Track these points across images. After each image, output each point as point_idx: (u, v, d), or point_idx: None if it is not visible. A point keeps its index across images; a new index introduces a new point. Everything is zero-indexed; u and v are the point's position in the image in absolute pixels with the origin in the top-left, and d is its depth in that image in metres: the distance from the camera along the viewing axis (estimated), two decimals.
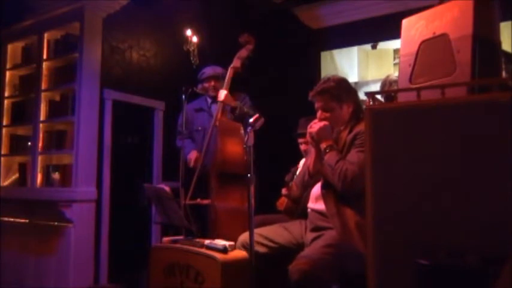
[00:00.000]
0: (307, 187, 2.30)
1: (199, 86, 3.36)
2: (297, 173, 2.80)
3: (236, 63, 3.13)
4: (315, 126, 2.09)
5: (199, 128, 3.36)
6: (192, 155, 3.26)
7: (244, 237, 2.26)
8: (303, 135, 2.74)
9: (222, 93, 3.09)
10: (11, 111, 4.04)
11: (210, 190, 2.89)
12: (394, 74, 3.24)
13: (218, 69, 3.37)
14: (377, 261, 1.38)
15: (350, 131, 2.09)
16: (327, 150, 2.03)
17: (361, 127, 2.00)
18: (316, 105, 2.17)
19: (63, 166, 3.57)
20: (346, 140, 2.08)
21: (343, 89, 2.17)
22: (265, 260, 2.15)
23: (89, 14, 3.51)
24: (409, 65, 1.57)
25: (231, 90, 3.16)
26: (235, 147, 2.85)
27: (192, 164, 3.23)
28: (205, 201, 2.86)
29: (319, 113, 2.16)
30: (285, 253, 2.18)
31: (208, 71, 3.37)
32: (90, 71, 3.50)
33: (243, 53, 3.15)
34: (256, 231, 2.16)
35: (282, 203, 2.90)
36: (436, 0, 1.55)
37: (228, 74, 3.14)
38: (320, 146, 2.08)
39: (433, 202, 1.30)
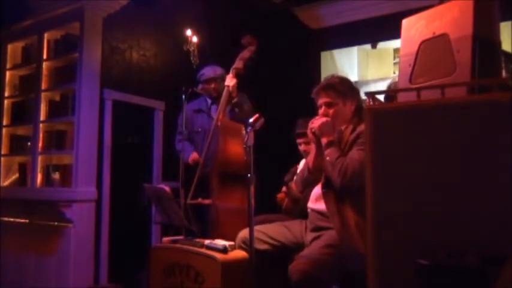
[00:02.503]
0: (307, 185, 2.30)
1: (200, 86, 3.35)
2: (297, 172, 2.80)
3: (238, 64, 3.12)
4: (317, 121, 2.09)
5: (199, 130, 3.34)
6: (193, 157, 3.26)
7: (243, 233, 2.26)
8: (302, 134, 2.74)
9: (232, 81, 3.05)
10: (11, 111, 4.03)
11: (212, 190, 2.89)
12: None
13: (218, 70, 3.35)
14: (377, 261, 1.38)
15: (353, 130, 2.10)
16: (328, 146, 2.04)
17: (364, 127, 2.00)
18: (320, 101, 2.18)
19: (63, 166, 3.57)
20: (348, 139, 2.09)
21: (346, 86, 2.20)
22: (265, 258, 2.16)
23: (89, 14, 3.51)
24: (409, 65, 1.57)
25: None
26: (237, 147, 2.85)
27: (191, 160, 3.22)
28: (207, 201, 2.86)
29: (322, 109, 2.16)
30: (284, 252, 2.18)
31: (208, 72, 3.34)
32: (90, 71, 3.50)
33: (245, 54, 3.14)
34: (257, 228, 2.16)
35: (282, 196, 2.90)
36: (436, 0, 1.55)
37: (230, 75, 3.13)
38: (321, 140, 2.08)
39: (433, 202, 1.30)
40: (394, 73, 4.08)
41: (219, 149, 2.87)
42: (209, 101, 3.42)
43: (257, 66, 3.27)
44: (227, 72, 3.18)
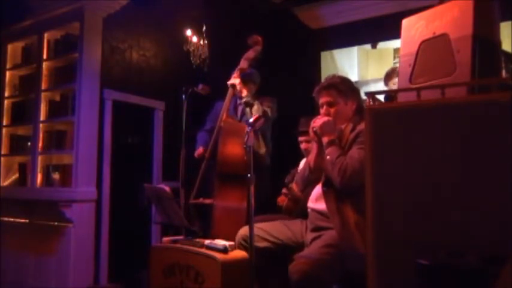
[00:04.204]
0: (307, 184, 2.30)
1: (200, 86, 3.34)
2: (298, 172, 2.80)
3: (243, 64, 3.09)
4: (319, 120, 2.10)
5: None
6: (198, 151, 3.26)
7: (244, 231, 2.26)
8: (304, 133, 2.74)
9: (236, 80, 3.00)
10: (11, 111, 4.03)
11: (213, 190, 2.89)
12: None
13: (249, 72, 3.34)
14: (377, 261, 1.38)
15: (353, 129, 2.10)
16: (329, 145, 2.04)
17: (364, 126, 2.01)
18: (321, 100, 2.19)
19: (63, 166, 3.57)
20: (348, 138, 2.09)
21: (348, 86, 2.22)
22: (265, 256, 2.16)
23: (89, 14, 3.51)
24: (409, 65, 1.57)
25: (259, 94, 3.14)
26: (237, 147, 2.84)
27: (196, 154, 3.22)
28: (208, 201, 2.86)
29: (323, 109, 2.18)
30: (284, 250, 2.18)
31: None
32: (90, 71, 3.50)
33: (251, 54, 3.11)
34: (257, 225, 2.16)
35: (283, 199, 2.90)
36: (436, 0, 1.55)
37: (234, 75, 3.12)
38: (322, 139, 2.09)
39: (433, 202, 1.30)
40: (394, 63, 4.07)
41: (219, 150, 2.87)
42: (238, 100, 3.41)
43: (257, 66, 3.27)
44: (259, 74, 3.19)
